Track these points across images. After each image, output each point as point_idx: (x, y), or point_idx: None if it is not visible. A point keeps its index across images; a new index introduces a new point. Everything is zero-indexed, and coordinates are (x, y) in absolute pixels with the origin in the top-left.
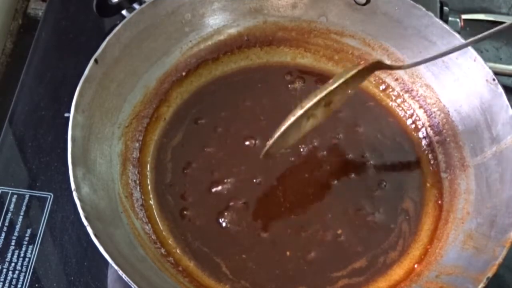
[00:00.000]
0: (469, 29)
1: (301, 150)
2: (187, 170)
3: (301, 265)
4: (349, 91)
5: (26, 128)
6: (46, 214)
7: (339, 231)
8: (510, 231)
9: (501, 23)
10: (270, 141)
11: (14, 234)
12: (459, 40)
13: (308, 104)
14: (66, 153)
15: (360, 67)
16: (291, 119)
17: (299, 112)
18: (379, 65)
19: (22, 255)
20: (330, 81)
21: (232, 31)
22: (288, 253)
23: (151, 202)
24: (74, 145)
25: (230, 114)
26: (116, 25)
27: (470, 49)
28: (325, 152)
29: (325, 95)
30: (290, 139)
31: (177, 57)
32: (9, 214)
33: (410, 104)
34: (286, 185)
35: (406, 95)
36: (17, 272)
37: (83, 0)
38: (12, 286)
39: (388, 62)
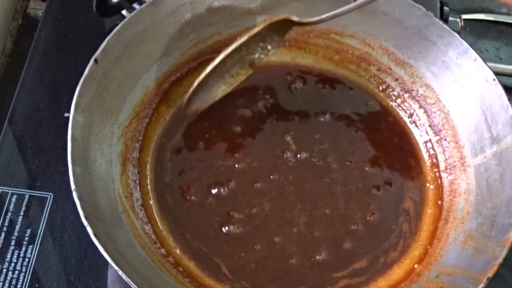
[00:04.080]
0: (469, 28)
1: (301, 151)
2: (187, 170)
3: (302, 265)
4: (269, 47)
5: (26, 128)
6: (46, 214)
7: (340, 232)
8: (510, 231)
9: (501, 23)
10: (190, 90)
11: (14, 234)
12: (459, 39)
13: (217, 60)
14: (66, 153)
15: (266, 23)
16: (207, 69)
17: (213, 63)
18: (288, 22)
19: (22, 255)
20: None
21: (232, 31)
22: (288, 253)
23: (151, 202)
24: (74, 145)
25: (230, 114)
26: (116, 25)
27: (470, 49)
28: (325, 153)
29: (236, 49)
30: (214, 92)
31: (177, 57)
32: (9, 214)
33: (410, 104)
34: (286, 187)
35: (406, 95)
36: (17, 272)
37: (83, 0)
38: (12, 286)
39: (298, 19)
